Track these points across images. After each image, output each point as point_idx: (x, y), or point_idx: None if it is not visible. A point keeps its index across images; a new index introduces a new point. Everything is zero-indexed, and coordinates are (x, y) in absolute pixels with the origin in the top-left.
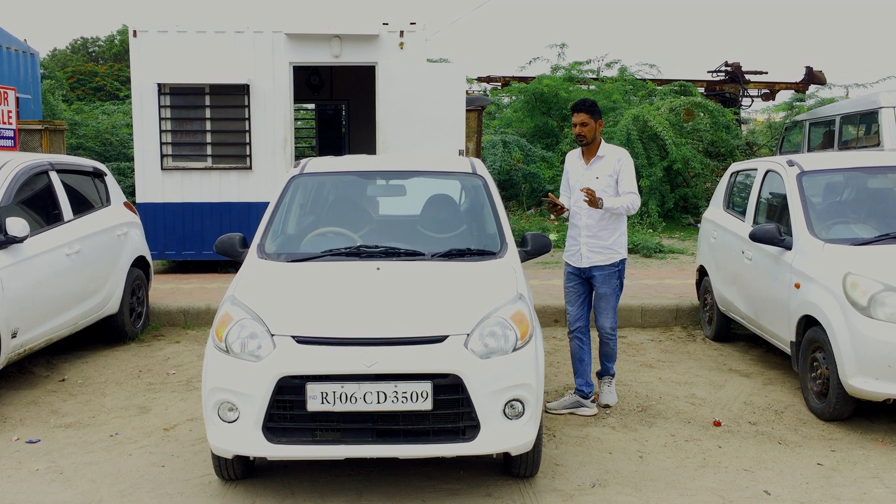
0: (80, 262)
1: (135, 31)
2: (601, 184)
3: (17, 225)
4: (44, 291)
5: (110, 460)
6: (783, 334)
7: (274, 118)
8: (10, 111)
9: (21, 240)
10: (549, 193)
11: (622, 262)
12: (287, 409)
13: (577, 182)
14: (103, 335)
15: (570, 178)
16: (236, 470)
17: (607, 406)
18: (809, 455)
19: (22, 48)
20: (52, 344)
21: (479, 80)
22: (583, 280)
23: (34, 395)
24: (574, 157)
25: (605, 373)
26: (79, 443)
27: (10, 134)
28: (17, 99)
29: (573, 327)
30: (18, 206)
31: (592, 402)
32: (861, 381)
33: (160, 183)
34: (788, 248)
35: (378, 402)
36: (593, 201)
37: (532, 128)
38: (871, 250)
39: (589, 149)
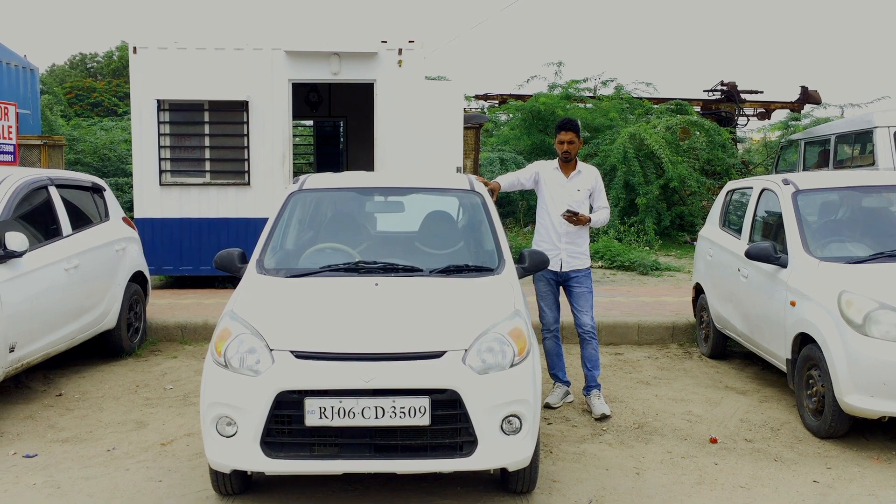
0: (79, 277)
1: (135, 48)
2: (580, 196)
3: (16, 240)
4: (42, 306)
5: (107, 475)
6: (779, 352)
7: (272, 134)
8: (10, 126)
9: (20, 254)
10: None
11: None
12: (285, 423)
13: (556, 193)
14: (100, 350)
15: (543, 185)
16: (234, 485)
17: (604, 416)
18: (805, 472)
19: (22, 64)
20: (50, 358)
21: (477, 97)
22: (555, 283)
23: (31, 409)
24: (549, 168)
25: (592, 387)
26: (76, 457)
27: (10, 149)
28: (17, 114)
29: (552, 328)
30: (17, 221)
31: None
32: (856, 398)
33: (158, 198)
34: (784, 266)
35: (376, 418)
36: (581, 220)
37: (529, 145)
38: (865, 268)
39: (569, 164)
